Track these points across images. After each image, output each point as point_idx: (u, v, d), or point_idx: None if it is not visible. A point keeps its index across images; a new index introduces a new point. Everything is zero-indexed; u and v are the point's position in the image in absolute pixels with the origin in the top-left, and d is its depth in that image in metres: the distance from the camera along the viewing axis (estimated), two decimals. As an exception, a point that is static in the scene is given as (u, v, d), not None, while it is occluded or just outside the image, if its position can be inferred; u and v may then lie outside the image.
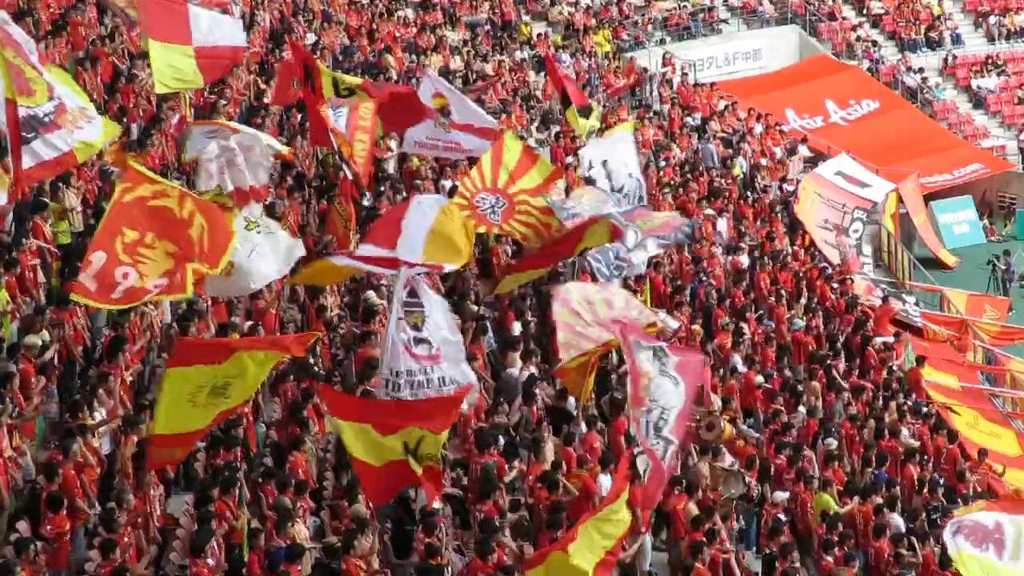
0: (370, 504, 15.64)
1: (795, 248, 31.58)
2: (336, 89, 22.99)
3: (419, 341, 16.59)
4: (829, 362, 24.73)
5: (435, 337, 16.68)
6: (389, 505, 16.25)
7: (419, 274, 17.28)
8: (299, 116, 26.74)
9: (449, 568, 15.40)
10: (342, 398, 16.13)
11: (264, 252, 17.87)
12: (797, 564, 18.10)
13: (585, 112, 29.04)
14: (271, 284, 19.97)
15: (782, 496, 19.32)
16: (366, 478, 15.15)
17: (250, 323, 19.14)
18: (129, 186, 16.00)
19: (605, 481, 17.26)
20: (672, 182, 31.95)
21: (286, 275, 19.18)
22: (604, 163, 25.22)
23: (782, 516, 18.79)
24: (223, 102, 25.38)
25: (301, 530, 15.24)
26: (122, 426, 15.81)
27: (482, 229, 21.23)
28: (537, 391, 19.43)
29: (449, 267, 18.80)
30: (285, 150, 22.22)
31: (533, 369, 20.11)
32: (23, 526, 14.29)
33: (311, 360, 18.59)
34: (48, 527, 14.15)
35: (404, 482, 15.37)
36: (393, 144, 26.85)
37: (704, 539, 17.02)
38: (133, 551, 14.31)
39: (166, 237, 15.88)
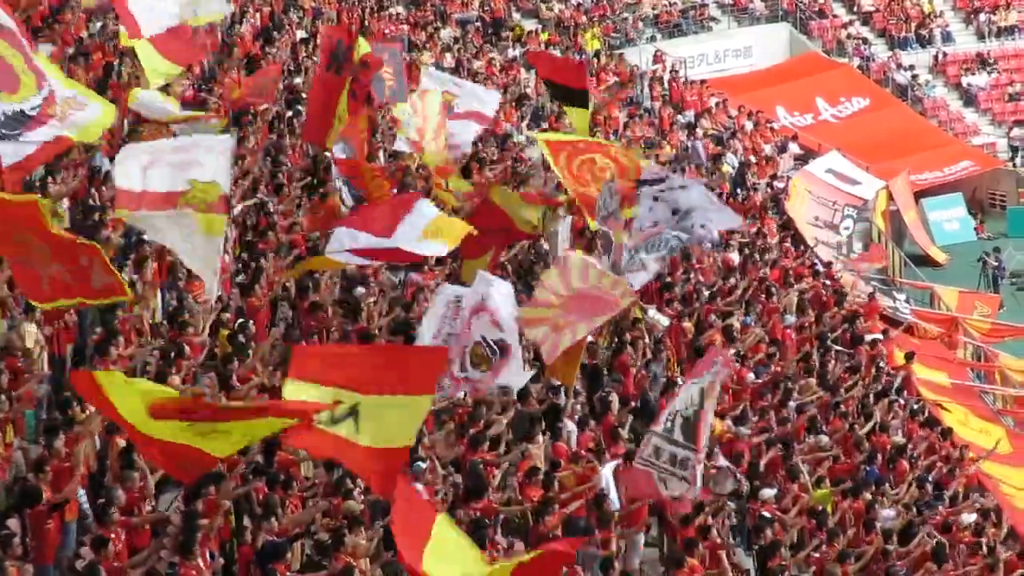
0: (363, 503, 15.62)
1: (786, 245, 31.60)
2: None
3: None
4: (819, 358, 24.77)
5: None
6: (384, 504, 16.18)
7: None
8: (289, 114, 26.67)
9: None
10: None
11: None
12: (787, 561, 18.08)
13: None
14: (262, 282, 19.91)
15: (770, 493, 19.31)
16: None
17: (241, 321, 19.06)
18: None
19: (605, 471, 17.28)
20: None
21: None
22: None
23: (767, 514, 18.75)
24: (213, 99, 25.29)
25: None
26: (109, 426, 15.74)
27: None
28: (530, 388, 19.39)
29: (444, 248, 18.61)
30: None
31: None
32: (13, 523, 14.26)
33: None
34: (28, 522, 14.10)
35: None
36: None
37: (696, 536, 17.02)
38: (124, 549, 14.28)
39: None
